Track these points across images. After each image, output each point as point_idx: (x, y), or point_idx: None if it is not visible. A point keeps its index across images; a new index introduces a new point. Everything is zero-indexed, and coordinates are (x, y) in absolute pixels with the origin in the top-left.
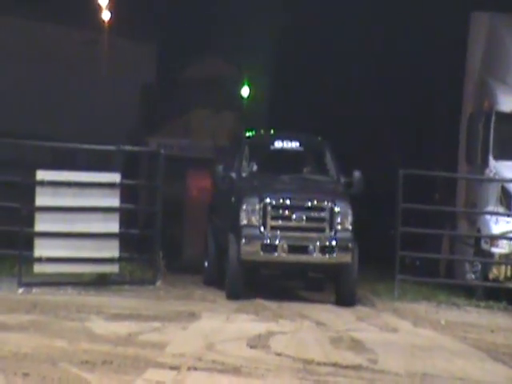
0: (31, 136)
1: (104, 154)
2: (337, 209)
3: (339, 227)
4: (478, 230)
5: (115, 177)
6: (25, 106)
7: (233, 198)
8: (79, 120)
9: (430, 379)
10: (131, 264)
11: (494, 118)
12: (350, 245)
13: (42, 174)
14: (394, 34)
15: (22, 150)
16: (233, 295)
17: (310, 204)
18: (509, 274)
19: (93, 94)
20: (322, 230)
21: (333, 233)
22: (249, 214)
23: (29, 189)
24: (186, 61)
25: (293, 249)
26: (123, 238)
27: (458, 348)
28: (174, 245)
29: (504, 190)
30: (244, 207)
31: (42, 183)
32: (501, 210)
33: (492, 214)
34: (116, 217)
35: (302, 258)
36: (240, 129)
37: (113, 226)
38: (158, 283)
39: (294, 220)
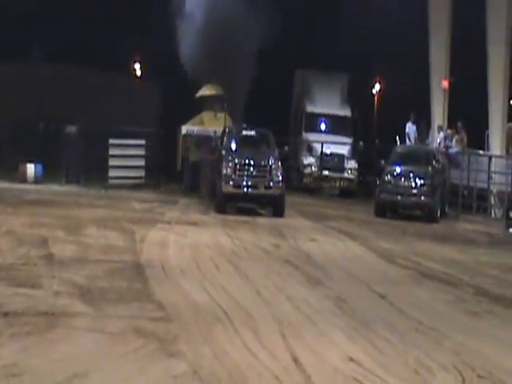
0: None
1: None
2: (273, 165)
3: (274, 174)
4: (300, 162)
5: (142, 142)
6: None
7: (220, 159)
8: (129, 120)
9: (279, 227)
10: (149, 179)
11: (304, 114)
12: (280, 184)
13: (112, 141)
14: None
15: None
16: (219, 211)
17: (259, 163)
18: (311, 181)
19: (133, 106)
20: (265, 176)
21: (271, 178)
22: (226, 168)
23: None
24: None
25: (249, 187)
26: (147, 168)
27: (293, 214)
28: (196, 183)
29: (309, 145)
30: (224, 164)
31: (112, 145)
32: (308, 154)
33: (304, 155)
34: (143, 159)
35: (255, 191)
36: (228, 123)
37: (142, 162)
38: (162, 188)
39: (251, 171)
